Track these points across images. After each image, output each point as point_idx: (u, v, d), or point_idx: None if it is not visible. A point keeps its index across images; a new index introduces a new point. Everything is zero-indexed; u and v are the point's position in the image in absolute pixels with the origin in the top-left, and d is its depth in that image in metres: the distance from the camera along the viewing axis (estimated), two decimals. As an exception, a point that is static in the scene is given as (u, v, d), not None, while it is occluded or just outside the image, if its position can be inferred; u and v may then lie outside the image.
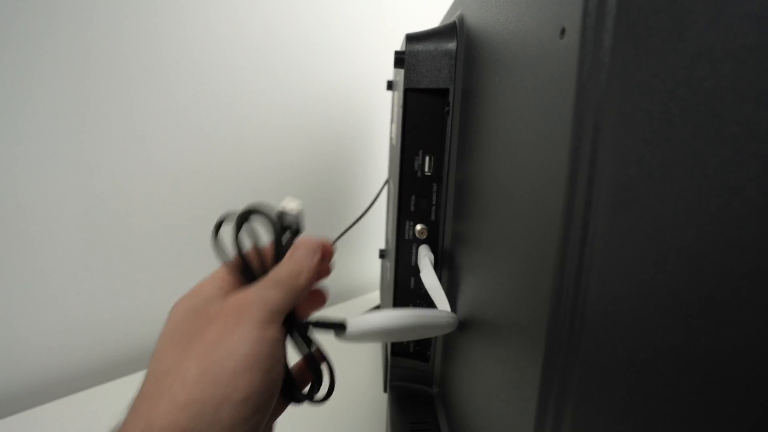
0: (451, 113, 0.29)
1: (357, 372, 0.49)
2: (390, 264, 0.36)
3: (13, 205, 0.42)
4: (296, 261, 0.22)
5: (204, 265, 0.56)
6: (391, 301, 0.34)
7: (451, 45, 0.28)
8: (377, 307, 0.62)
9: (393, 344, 0.34)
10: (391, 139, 0.43)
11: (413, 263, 0.32)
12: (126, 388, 0.46)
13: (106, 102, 0.46)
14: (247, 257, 0.23)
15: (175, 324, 0.20)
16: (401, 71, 0.30)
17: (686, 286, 0.12)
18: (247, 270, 0.23)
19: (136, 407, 0.18)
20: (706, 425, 0.12)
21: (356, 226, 0.61)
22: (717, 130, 0.11)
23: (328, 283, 0.70)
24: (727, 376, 0.12)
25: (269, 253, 0.23)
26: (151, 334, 0.56)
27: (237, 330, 0.19)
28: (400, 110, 0.31)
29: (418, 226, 0.31)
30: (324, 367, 0.24)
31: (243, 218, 0.23)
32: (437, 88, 0.29)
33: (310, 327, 0.23)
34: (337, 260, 0.80)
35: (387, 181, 0.53)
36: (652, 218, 0.12)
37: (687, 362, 0.12)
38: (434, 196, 0.31)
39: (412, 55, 0.29)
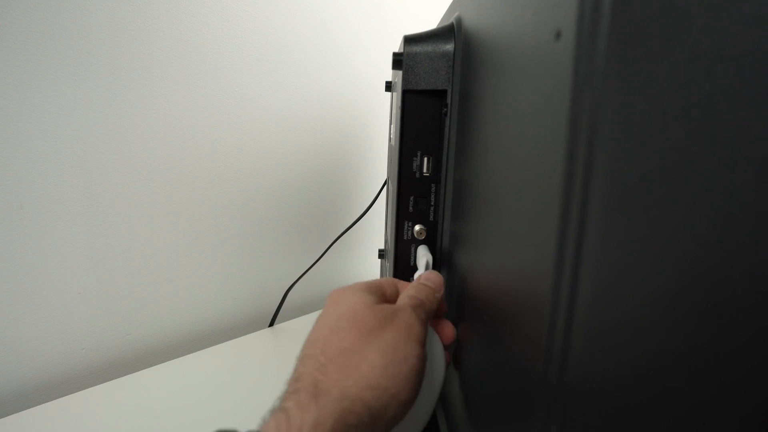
0: (449, 114, 0.29)
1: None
2: (389, 264, 0.37)
3: (15, 204, 0.42)
4: (429, 284, 0.26)
5: (204, 264, 0.56)
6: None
7: (449, 47, 0.28)
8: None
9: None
10: (389, 140, 0.43)
11: (412, 263, 0.32)
12: (126, 388, 0.46)
13: (106, 102, 0.46)
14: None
15: (355, 311, 0.22)
16: (399, 73, 0.30)
17: (682, 289, 0.12)
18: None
19: (322, 366, 0.20)
20: (705, 427, 0.12)
21: (356, 226, 0.61)
22: (713, 133, 0.11)
23: (328, 284, 0.71)
24: (724, 380, 0.12)
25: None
26: (151, 334, 0.56)
27: (408, 342, 0.22)
28: (399, 111, 0.31)
29: (417, 227, 0.32)
30: None
31: None
32: (435, 90, 0.29)
33: None
34: (337, 260, 0.79)
35: (386, 182, 0.53)
36: (647, 221, 0.12)
37: (684, 366, 0.12)
38: (433, 196, 0.31)
39: (410, 56, 0.29)
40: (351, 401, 0.19)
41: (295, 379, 0.20)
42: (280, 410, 0.19)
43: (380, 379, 0.20)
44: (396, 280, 0.27)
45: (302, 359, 0.21)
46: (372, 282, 0.26)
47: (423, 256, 0.30)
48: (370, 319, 0.22)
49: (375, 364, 0.20)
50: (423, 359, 0.22)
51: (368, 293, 0.24)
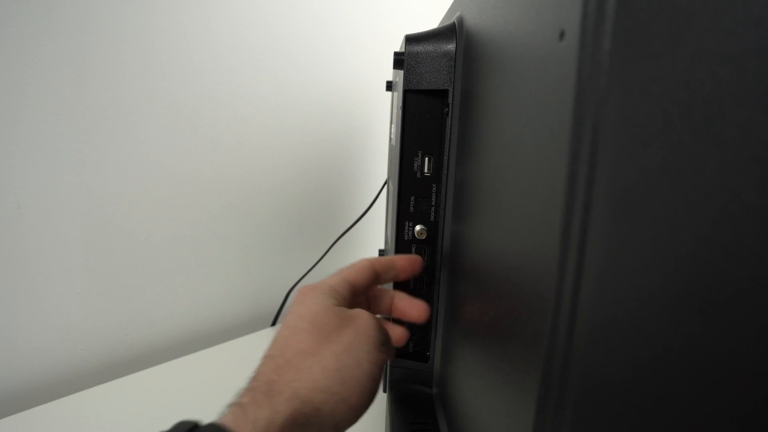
0: (450, 114, 0.29)
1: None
2: (389, 264, 0.36)
3: (13, 204, 0.42)
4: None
5: (204, 264, 0.56)
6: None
7: (451, 46, 0.28)
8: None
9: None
10: (390, 139, 0.43)
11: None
12: (126, 388, 0.46)
13: (105, 102, 0.46)
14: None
15: (315, 313, 0.23)
16: (401, 72, 0.30)
17: (685, 289, 0.12)
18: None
19: (278, 367, 0.21)
20: (706, 427, 0.12)
21: (356, 226, 0.61)
22: (716, 134, 0.11)
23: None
24: (726, 379, 0.12)
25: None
26: (151, 335, 0.56)
27: (364, 347, 0.22)
28: (400, 111, 0.31)
29: (418, 227, 0.32)
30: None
31: None
32: (436, 89, 0.29)
33: None
34: (337, 260, 0.80)
35: (386, 182, 0.53)
36: (651, 221, 0.12)
37: (686, 365, 0.12)
38: (433, 196, 0.31)
39: (412, 56, 0.29)
40: (302, 402, 0.19)
41: (253, 378, 0.21)
42: (236, 405, 0.20)
43: (330, 383, 0.20)
44: (372, 262, 0.28)
45: (264, 358, 0.22)
46: (340, 280, 0.26)
47: None
48: (328, 321, 0.23)
49: (328, 368, 0.21)
50: (378, 364, 0.23)
51: (331, 295, 0.24)
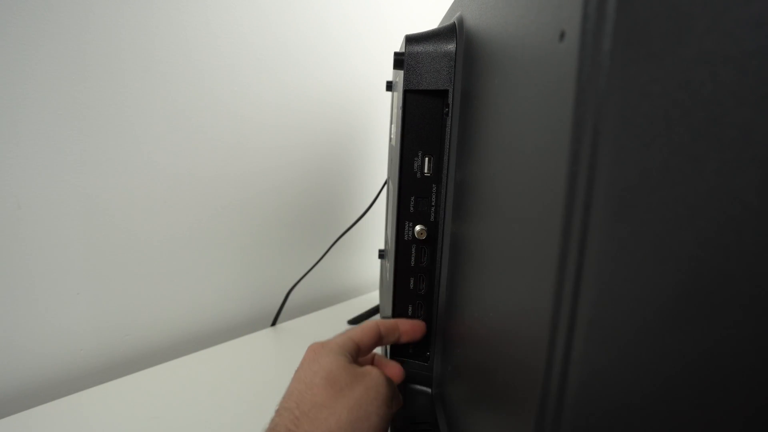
0: (450, 114, 0.29)
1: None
2: (389, 264, 0.37)
3: (13, 204, 0.42)
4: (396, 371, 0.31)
5: (204, 264, 0.56)
6: (390, 301, 0.34)
7: (451, 46, 0.28)
8: (376, 308, 0.62)
9: (392, 345, 0.34)
10: (390, 139, 0.43)
11: (412, 264, 0.32)
12: (126, 389, 0.46)
13: (105, 102, 0.45)
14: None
15: (328, 370, 0.25)
16: (401, 72, 0.30)
17: (686, 289, 0.12)
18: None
19: (296, 419, 0.23)
20: (707, 427, 0.12)
21: (356, 226, 0.61)
22: (716, 135, 0.11)
23: (328, 284, 0.71)
24: (726, 379, 0.12)
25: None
26: (151, 335, 0.56)
27: (374, 401, 0.25)
28: (400, 111, 0.31)
29: (418, 227, 0.32)
30: None
31: None
32: (437, 90, 0.29)
33: None
34: (337, 260, 0.79)
35: (386, 182, 0.53)
36: (651, 222, 0.12)
37: (686, 365, 0.12)
38: (433, 196, 0.31)
39: (412, 56, 0.29)
40: None
41: (272, 429, 0.23)
42: None
43: None
44: (377, 324, 0.30)
45: (279, 411, 0.24)
46: (348, 339, 0.28)
47: None
48: (341, 377, 0.25)
49: (341, 420, 0.23)
50: (386, 418, 0.25)
51: (342, 354, 0.27)
